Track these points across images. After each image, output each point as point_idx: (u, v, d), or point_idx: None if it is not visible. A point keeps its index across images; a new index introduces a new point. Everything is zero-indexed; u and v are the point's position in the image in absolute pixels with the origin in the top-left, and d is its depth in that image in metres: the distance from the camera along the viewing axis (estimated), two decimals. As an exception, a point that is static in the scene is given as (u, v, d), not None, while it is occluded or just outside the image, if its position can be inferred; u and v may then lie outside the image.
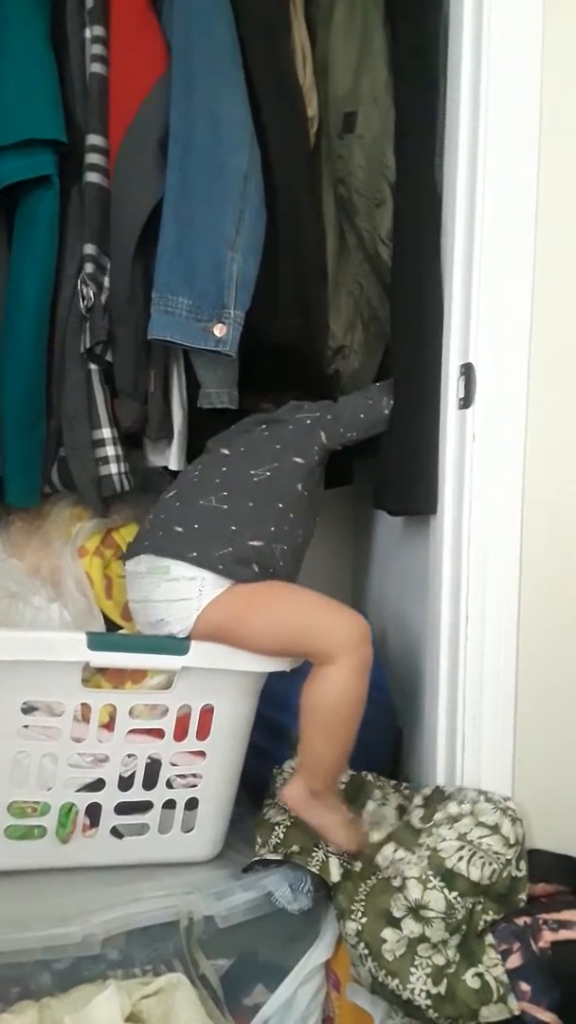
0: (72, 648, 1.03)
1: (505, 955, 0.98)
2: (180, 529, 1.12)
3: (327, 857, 1.06)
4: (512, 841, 1.04)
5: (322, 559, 1.77)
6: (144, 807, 1.11)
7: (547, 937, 1.00)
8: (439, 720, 1.16)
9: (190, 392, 1.29)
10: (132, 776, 1.09)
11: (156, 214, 1.18)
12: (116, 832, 1.11)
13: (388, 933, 0.98)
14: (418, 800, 1.12)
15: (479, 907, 1.00)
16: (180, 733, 1.09)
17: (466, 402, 1.14)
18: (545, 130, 1.13)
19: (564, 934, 1.00)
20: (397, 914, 0.99)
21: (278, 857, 1.07)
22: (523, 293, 1.13)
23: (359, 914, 1.00)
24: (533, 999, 0.96)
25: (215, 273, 1.16)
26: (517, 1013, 0.95)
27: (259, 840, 1.11)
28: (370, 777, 1.19)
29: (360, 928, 0.99)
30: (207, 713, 1.10)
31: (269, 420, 1.27)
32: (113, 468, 1.25)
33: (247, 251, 1.17)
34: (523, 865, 1.05)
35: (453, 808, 1.06)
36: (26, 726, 1.05)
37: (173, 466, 1.30)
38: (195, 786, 1.12)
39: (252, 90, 1.22)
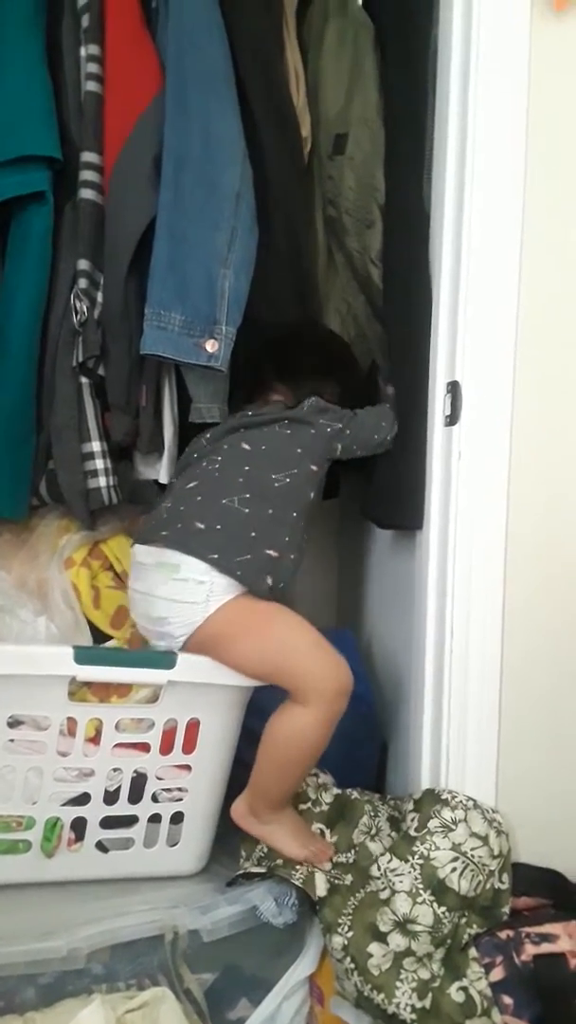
0: (58, 662, 1.03)
1: (488, 968, 0.99)
2: (202, 526, 1.10)
3: (312, 871, 1.06)
4: (497, 853, 1.05)
5: (309, 571, 1.77)
6: (129, 821, 1.11)
7: (530, 951, 1.01)
8: (424, 733, 1.17)
9: (181, 406, 1.30)
10: (118, 790, 1.09)
11: (149, 231, 1.19)
12: (101, 846, 1.10)
13: (374, 947, 0.98)
14: (410, 805, 1.13)
15: (463, 920, 1.01)
16: (166, 747, 1.10)
17: (452, 419, 1.15)
18: (531, 153, 1.15)
19: (546, 947, 1.01)
20: (384, 928, 0.99)
21: (262, 870, 1.07)
22: (509, 313, 1.14)
23: (345, 928, 1.00)
24: (515, 1012, 0.96)
25: (207, 289, 1.17)
26: (500, 1027, 0.95)
27: (243, 853, 1.12)
28: (355, 794, 1.19)
29: (346, 942, 0.99)
30: (193, 727, 1.10)
31: (292, 418, 1.23)
32: (102, 481, 1.26)
33: (239, 268, 1.19)
34: (506, 878, 1.06)
35: (447, 814, 1.06)
36: (12, 740, 1.05)
37: (163, 479, 1.31)
38: (181, 800, 1.12)
39: (247, 109, 1.24)
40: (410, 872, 1.02)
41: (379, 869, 1.05)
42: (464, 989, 0.97)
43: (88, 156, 1.21)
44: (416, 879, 1.01)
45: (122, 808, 1.10)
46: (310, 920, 1.07)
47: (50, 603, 1.25)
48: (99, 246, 1.22)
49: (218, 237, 1.17)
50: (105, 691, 1.10)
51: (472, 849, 1.03)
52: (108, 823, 1.10)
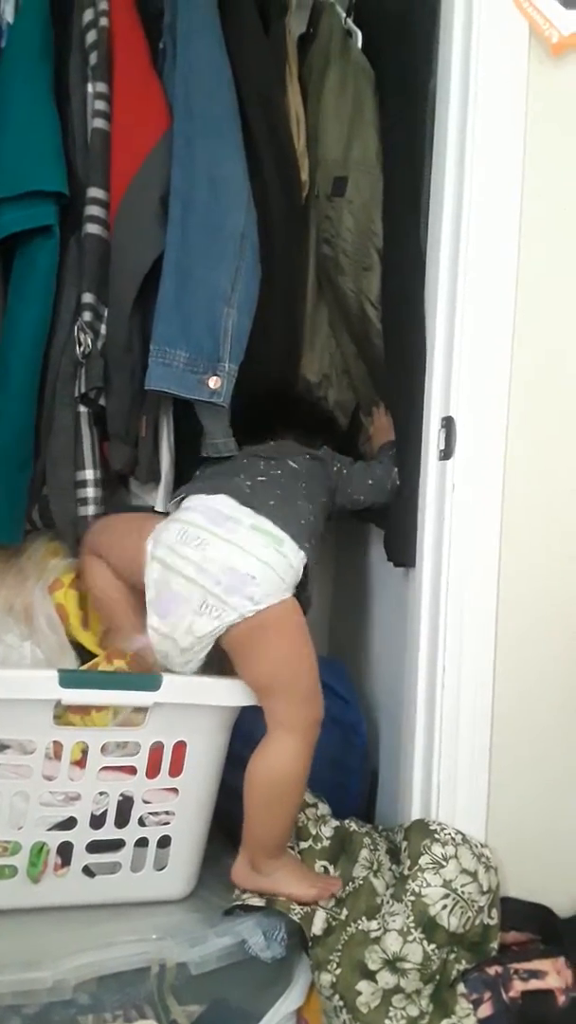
0: (43, 686, 1.03)
1: (476, 1004, 0.98)
2: (301, 520, 1.13)
3: (314, 909, 1.05)
4: (486, 888, 1.05)
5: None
6: (116, 845, 1.10)
7: (518, 987, 1.00)
8: (415, 767, 1.17)
9: (178, 437, 1.32)
10: (104, 814, 1.08)
11: (154, 267, 1.21)
12: (88, 871, 1.09)
13: (363, 985, 0.97)
14: (400, 835, 1.12)
15: (452, 956, 1.01)
16: (153, 770, 1.09)
17: (446, 454, 1.17)
18: (527, 197, 1.18)
19: (534, 984, 1.01)
20: (372, 967, 0.98)
21: (261, 903, 1.06)
22: (503, 349, 1.17)
23: (334, 965, 1.00)
24: (504, 1050, 0.96)
25: (211, 327, 1.20)
26: (488, 1064, 0.95)
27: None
28: (354, 826, 1.18)
29: (335, 980, 0.99)
30: (180, 749, 1.10)
31: (312, 455, 1.29)
32: (91, 510, 1.27)
33: (242, 306, 1.21)
34: (495, 913, 1.06)
35: (438, 850, 1.06)
36: (-2, 765, 1.04)
37: (159, 507, 1.32)
38: (168, 823, 1.11)
39: (251, 152, 1.27)
40: (403, 911, 1.01)
41: (380, 912, 1.04)
42: (453, 1026, 0.96)
43: (94, 192, 1.23)
44: (408, 917, 1.00)
45: (109, 832, 1.09)
46: (298, 954, 1.06)
47: (35, 628, 1.25)
48: (103, 280, 1.24)
49: (223, 276, 1.20)
50: (87, 709, 1.10)
51: (462, 886, 1.03)
52: (95, 847, 1.09)
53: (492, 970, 1.01)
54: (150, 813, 1.11)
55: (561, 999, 0.99)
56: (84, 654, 1.26)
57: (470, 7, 1.18)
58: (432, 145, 1.27)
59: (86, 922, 1.05)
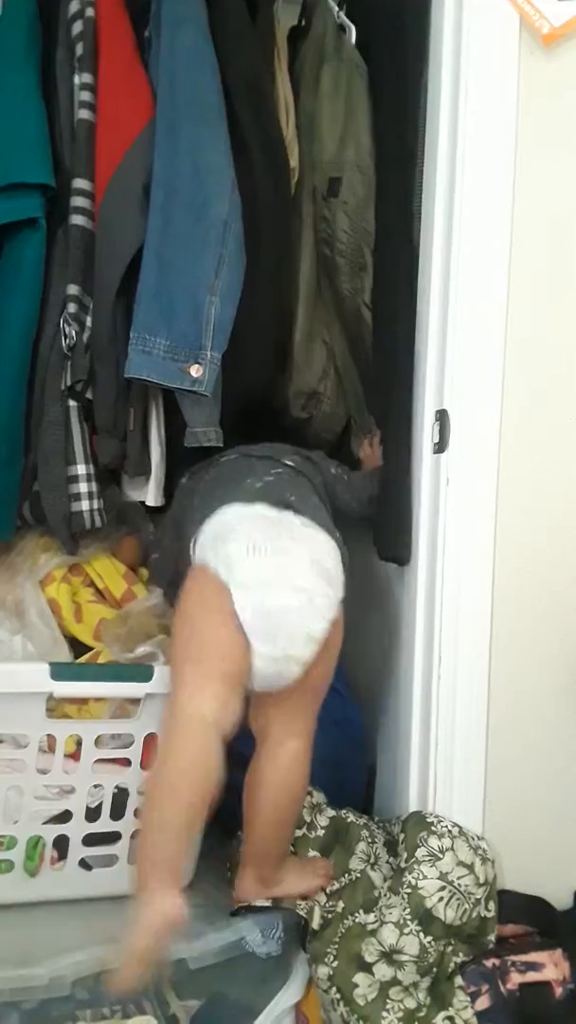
0: (35, 679, 1.03)
1: (474, 997, 0.99)
2: (317, 510, 1.10)
3: (312, 905, 1.06)
4: (482, 881, 1.05)
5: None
6: (112, 838, 1.10)
7: (515, 979, 1.00)
8: (411, 760, 1.17)
9: (168, 430, 1.31)
10: (99, 806, 1.09)
11: (138, 257, 1.20)
12: (85, 864, 1.10)
13: (360, 978, 0.98)
14: (397, 828, 1.13)
15: (449, 949, 1.01)
16: (147, 761, 1.09)
17: (440, 447, 1.17)
18: (519, 189, 1.17)
19: (532, 976, 1.01)
20: (369, 959, 0.99)
21: (267, 904, 1.06)
22: (496, 342, 1.16)
23: (331, 958, 1.00)
24: (501, 1042, 0.96)
25: (194, 315, 1.18)
26: (486, 1056, 0.95)
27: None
28: (352, 817, 1.18)
29: (332, 972, 0.99)
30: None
31: (305, 456, 1.25)
32: (84, 505, 1.26)
33: (225, 294, 1.20)
34: (492, 906, 1.06)
35: (435, 842, 1.06)
36: (-9, 759, 1.04)
37: (151, 502, 1.31)
38: (163, 814, 1.11)
39: (236, 136, 1.25)
40: (400, 903, 1.01)
41: (377, 905, 1.04)
42: (450, 1019, 0.96)
43: (80, 183, 1.22)
44: (404, 909, 1.01)
45: (104, 825, 1.09)
46: (296, 949, 1.06)
47: (27, 622, 1.24)
48: (88, 271, 1.22)
49: (206, 264, 1.19)
50: (81, 699, 1.10)
51: (459, 878, 1.03)
52: (91, 840, 1.09)
53: (490, 962, 1.02)
54: (146, 805, 1.11)
55: (558, 991, 1.00)
56: (78, 647, 1.26)
57: (460, -1, 1.17)
58: (424, 140, 1.26)
59: (84, 916, 1.06)
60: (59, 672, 1.04)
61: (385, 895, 1.05)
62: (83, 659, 1.21)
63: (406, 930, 0.99)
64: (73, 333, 1.21)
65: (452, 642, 1.14)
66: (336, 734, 1.32)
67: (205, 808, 0.92)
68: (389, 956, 0.98)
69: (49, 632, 1.24)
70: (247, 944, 1.02)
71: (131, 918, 0.88)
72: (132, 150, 1.23)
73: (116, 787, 1.09)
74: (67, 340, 1.21)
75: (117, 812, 1.09)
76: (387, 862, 1.11)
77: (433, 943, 0.99)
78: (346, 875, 1.10)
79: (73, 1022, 0.95)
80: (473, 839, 1.08)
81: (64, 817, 1.08)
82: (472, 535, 1.15)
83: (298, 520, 1.05)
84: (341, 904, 1.06)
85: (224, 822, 1.20)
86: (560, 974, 1.01)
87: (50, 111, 1.24)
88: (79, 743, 1.07)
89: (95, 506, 1.26)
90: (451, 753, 1.13)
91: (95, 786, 1.08)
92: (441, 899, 1.01)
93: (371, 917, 1.03)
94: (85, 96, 1.25)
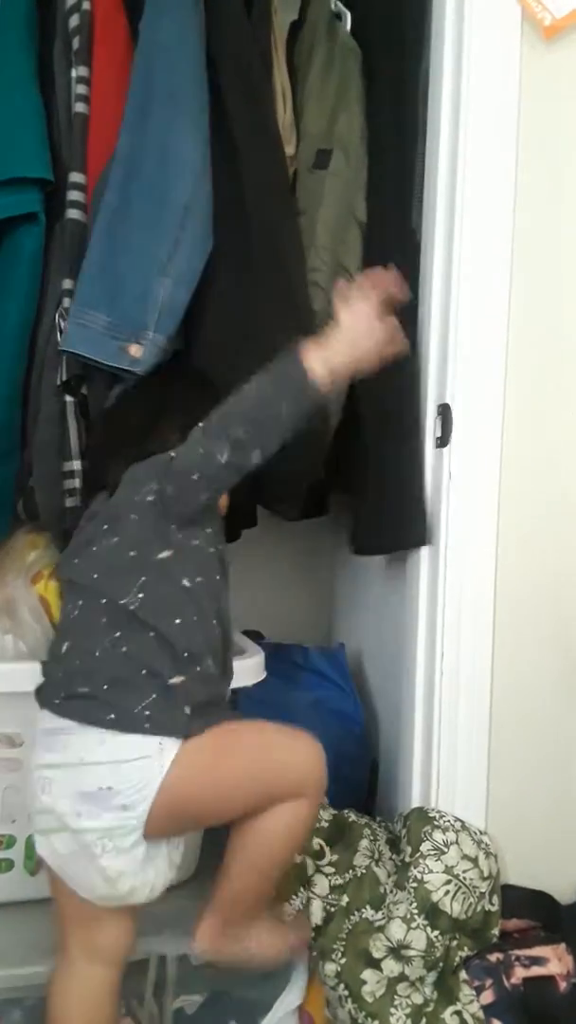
0: (28, 678, 1.01)
1: (478, 992, 0.99)
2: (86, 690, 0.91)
3: (309, 897, 1.06)
4: (486, 874, 1.05)
5: (302, 588, 1.78)
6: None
7: (519, 973, 1.01)
8: (414, 754, 1.17)
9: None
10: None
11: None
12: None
13: (368, 974, 0.98)
14: (400, 824, 1.13)
15: (454, 943, 1.01)
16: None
17: (443, 441, 1.16)
18: (521, 179, 1.16)
19: (536, 970, 1.01)
20: (377, 955, 0.99)
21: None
22: (499, 335, 1.16)
23: (339, 955, 1.00)
24: (506, 1036, 0.96)
25: (141, 295, 1.16)
26: (492, 1050, 0.95)
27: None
28: (353, 816, 1.18)
29: (339, 969, 0.99)
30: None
31: (107, 518, 1.02)
32: (78, 501, 1.25)
33: (179, 279, 1.18)
34: (496, 900, 1.06)
35: (439, 836, 1.06)
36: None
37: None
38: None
39: (227, 125, 1.24)
40: (406, 898, 1.01)
41: (384, 901, 1.04)
42: (458, 1013, 0.97)
43: (75, 176, 1.21)
44: (411, 904, 1.01)
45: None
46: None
47: (18, 620, 1.24)
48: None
49: (160, 246, 1.17)
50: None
51: (464, 871, 1.03)
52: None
53: (493, 957, 1.02)
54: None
55: (562, 985, 1.00)
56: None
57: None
58: (424, 128, 1.25)
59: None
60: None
61: (391, 891, 1.04)
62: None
63: (413, 924, 0.99)
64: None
65: (454, 635, 1.14)
66: (336, 726, 1.32)
67: None
68: (397, 952, 0.98)
69: (41, 629, 1.23)
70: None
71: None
72: (120, 143, 1.22)
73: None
74: (62, 335, 1.20)
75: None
76: (390, 859, 1.11)
77: (440, 937, 0.99)
78: (350, 871, 1.10)
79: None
80: (476, 833, 1.08)
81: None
82: (474, 529, 1.15)
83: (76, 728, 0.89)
84: (346, 898, 1.06)
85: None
86: (564, 968, 1.01)
87: (48, 105, 1.23)
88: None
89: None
90: (454, 747, 1.14)
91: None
92: (447, 892, 1.00)
93: (379, 913, 1.03)
94: (81, 89, 1.23)
